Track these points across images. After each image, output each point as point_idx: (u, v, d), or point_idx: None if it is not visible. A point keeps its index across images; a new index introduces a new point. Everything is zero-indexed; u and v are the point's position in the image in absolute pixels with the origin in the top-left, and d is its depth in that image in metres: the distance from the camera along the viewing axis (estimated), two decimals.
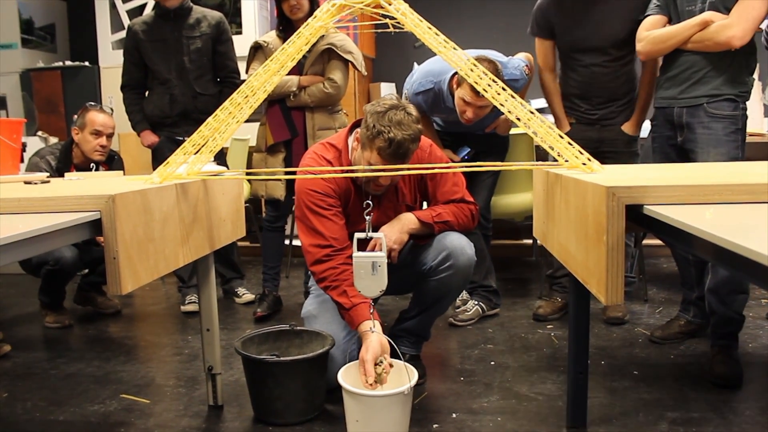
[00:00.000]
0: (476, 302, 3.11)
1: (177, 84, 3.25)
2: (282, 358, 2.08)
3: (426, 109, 2.95)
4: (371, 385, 1.86)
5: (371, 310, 2.00)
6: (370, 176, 2.11)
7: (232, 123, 1.70)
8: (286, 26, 3.07)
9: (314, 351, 2.12)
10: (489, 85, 1.57)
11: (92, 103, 3.30)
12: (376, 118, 2.05)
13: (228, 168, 3.38)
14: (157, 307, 3.61)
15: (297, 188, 2.25)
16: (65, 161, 3.20)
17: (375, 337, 1.93)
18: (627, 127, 2.90)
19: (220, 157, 3.49)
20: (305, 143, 3.05)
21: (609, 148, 2.91)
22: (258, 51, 3.11)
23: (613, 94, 2.89)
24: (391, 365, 1.93)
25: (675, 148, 2.56)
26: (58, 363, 2.70)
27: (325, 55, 3.07)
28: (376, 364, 1.88)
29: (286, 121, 3.09)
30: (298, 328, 2.28)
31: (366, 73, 3.37)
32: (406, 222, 2.25)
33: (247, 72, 3.17)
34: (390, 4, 1.62)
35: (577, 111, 2.95)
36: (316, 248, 2.16)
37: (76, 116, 3.26)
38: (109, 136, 3.25)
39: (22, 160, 2.76)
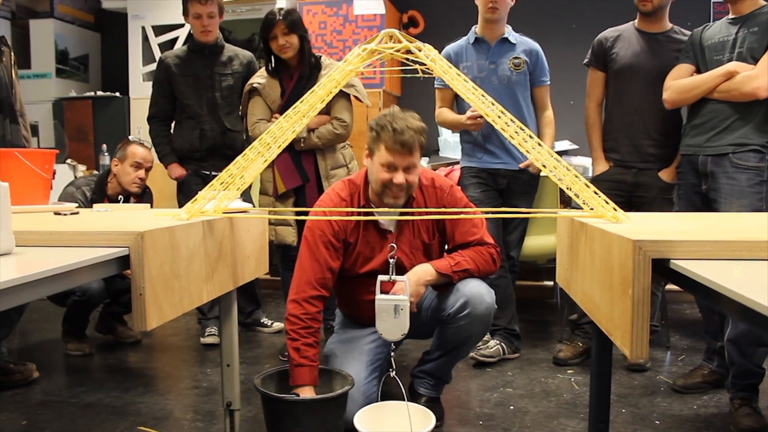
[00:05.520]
0: (498, 342, 3.09)
1: (207, 119, 3.29)
2: (301, 397, 2.07)
3: (453, 59, 3.05)
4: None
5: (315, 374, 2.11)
6: (380, 211, 2.15)
7: (260, 162, 1.73)
8: (276, 64, 3.04)
9: (334, 390, 2.11)
10: (516, 132, 1.59)
11: (133, 137, 3.38)
12: (379, 119, 2.16)
13: (254, 205, 3.39)
14: (177, 338, 3.63)
15: (306, 224, 2.33)
16: (100, 193, 3.27)
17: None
18: (665, 174, 2.87)
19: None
20: (319, 186, 3.01)
21: (644, 194, 2.89)
22: (254, 93, 3.07)
23: (655, 131, 2.86)
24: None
25: (700, 195, 2.55)
26: (78, 392, 2.72)
27: None
28: None
29: (296, 167, 3.02)
30: (319, 366, 2.28)
31: (370, 104, 3.30)
32: (423, 274, 2.21)
33: (242, 113, 3.17)
34: (420, 50, 1.65)
35: (617, 152, 2.94)
36: (297, 288, 2.23)
37: (114, 147, 3.34)
38: (148, 169, 3.33)
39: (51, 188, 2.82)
